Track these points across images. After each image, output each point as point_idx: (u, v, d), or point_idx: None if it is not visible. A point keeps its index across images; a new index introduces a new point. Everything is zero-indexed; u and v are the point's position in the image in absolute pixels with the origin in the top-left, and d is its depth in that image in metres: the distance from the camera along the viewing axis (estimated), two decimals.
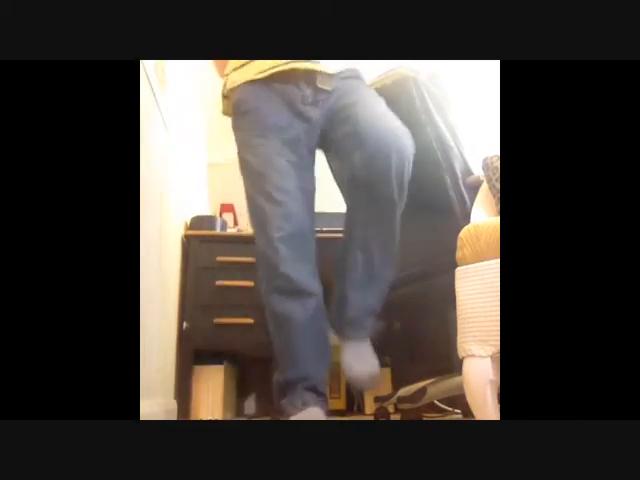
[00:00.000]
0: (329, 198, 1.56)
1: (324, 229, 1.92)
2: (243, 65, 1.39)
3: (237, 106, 1.40)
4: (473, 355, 1.04)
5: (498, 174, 1.40)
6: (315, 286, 1.31)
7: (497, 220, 1.11)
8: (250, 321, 2.09)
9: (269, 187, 1.31)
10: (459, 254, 1.14)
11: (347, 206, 1.36)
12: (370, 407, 2.23)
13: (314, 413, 1.24)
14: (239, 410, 2.43)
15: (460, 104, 1.65)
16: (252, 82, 1.37)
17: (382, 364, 1.36)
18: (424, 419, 1.82)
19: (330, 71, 1.36)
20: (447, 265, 1.20)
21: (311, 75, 1.35)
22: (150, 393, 1.54)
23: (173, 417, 1.91)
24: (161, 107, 1.68)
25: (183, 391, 2.03)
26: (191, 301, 2.12)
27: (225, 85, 1.45)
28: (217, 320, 2.10)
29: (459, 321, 1.09)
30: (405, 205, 1.31)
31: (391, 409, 1.77)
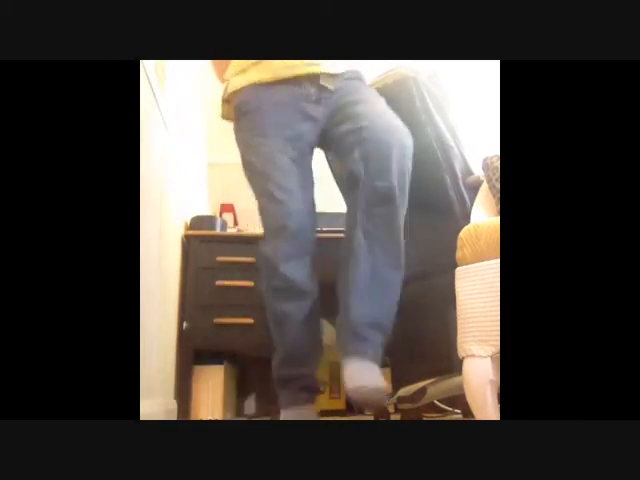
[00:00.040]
0: (329, 198, 1.56)
1: (324, 229, 1.92)
2: (245, 70, 1.39)
3: (239, 108, 1.40)
4: (473, 355, 1.04)
5: (498, 174, 1.40)
6: (312, 286, 1.32)
7: (497, 220, 1.11)
8: (250, 321, 2.09)
9: (271, 186, 1.31)
10: (459, 254, 1.14)
11: (347, 207, 1.35)
12: None
13: (305, 412, 1.29)
14: (239, 410, 2.43)
15: (460, 104, 1.65)
16: (255, 85, 1.37)
17: (382, 364, 1.36)
18: (424, 419, 1.81)
19: (333, 71, 1.36)
20: (447, 265, 1.20)
21: (314, 76, 1.35)
22: (150, 393, 1.54)
23: (173, 417, 1.91)
24: (161, 107, 1.68)
25: (183, 391, 2.03)
26: (191, 301, 2.12)
27: (226, 89, 1.45)
28: (217, 320, 2.10)
29: (459, 321, 1.10)
30: None
31: (391, 409, 1.77)
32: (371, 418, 2.00)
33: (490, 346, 1.02)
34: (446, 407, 1.90)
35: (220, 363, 2.13)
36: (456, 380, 1.32)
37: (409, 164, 1.29)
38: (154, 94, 1.59)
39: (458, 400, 1.71)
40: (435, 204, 1.50)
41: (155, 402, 1.61)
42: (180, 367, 2.05)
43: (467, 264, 1.11)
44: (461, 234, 1.15)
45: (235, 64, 1.43)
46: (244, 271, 2.13)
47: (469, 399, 1.07)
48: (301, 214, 1.31)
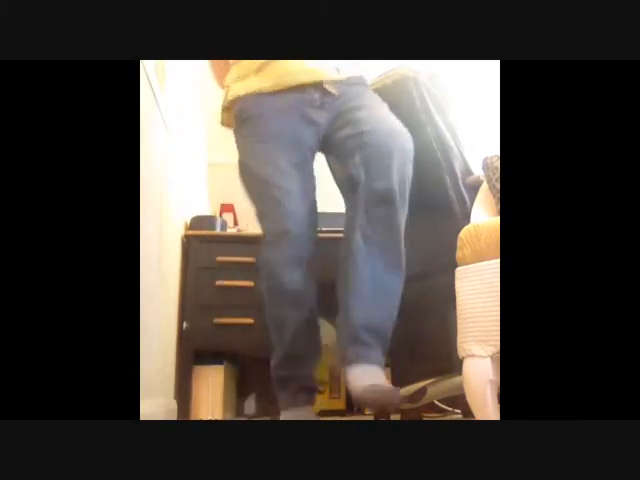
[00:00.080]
0: (329, 198, 1.56)
1: (324, 229, 1.92)
2: (245, 77, 1.37)
3: (239, 115, 1.38)
4: (473, 355, 1.05)
5: (498, 174, 1.40)
6: (311, 290, 1.32)
7: (497, 220, 1.11)
8: (250, 321, 2.09)
9: (272, 191, 1.29)
10: (459, 254, 1.14)
11: (346, 210, 1.33)
12: None
13: (304, 414, 1.29)
14: (239, 410, 2.43)
15: (460, 104, 1.65)
16: (256, 94, 1.35)
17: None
18: (424, 419, 1.81)
19: (336, 78, 1.35)
20: (447, 265, 1.20)
21: (318, 83, 1.34)
22: (150, 393, 1.54)
23: (173, 417, 1.91)
24: (161, 107, 1.68)
25: (183, 391, 2.03)
26: (191, 301, 2.12)
27: (226, 97, 1.43)
28: (217, 320, 2.10)
29: (459, 321, 1.10)
30: None
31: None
32: (371, 418, 2.01)
33: (490, 346, 1.02)
34: (446, 407, 1.90)
35: (220, 363, 2.13)
36: (456, 380, 1.32)
37: (410, 169, 1.28)
38: (154, 94, 1.59)
39: (458, 400, 1.71)
40: (435, 204, 1.50)
41: (155, 402, 1.61)
42: (180, 367, 2.05)
43: (467, 264, 1.11)
44: (461, 234, 1.15)
45: (235, 70, 1.41)
46: (244, 271, 2.13)
47: (469, 399, 1.07)
48: (302, 219, 1.29)
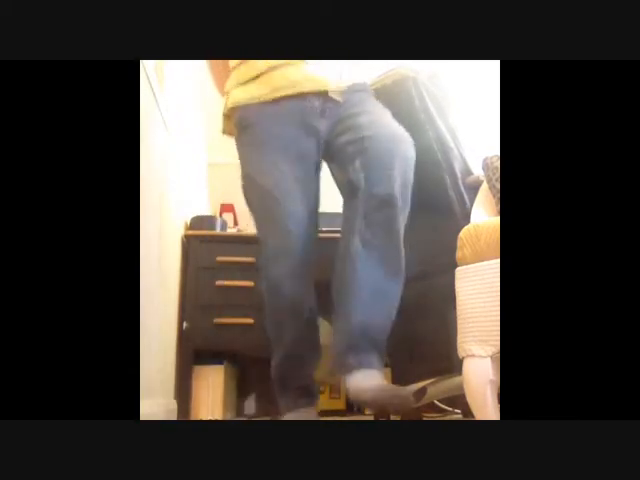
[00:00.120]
0: (329, 198, 1.55)
1: (324, 229, 1.93)
2: (245, 83, 1.35)
3: (239, 123, 1.37)
4: (473, 355, 1.04)
5: (498, 174, 1.40)
6: (310, 300, 1.31)
7: (497, 220, 1.11)
8: (250, 321, 2.09)
9: (273, 205, 1.28)
10: (459, 254, 1.14)
11: (344, 215, 1.31)
12: None
13: (306, 414, 1.28)
14: (239, 410, 2.43)
15: (460, 104, 1.65)
16: (256, 102, 1.33)
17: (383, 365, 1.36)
18: (424, 419, 1.81)
19: (340, 89, 1.33)
20: (447, 265, 1.20)
21: (321, 92, 1.32)
22: (150, 393, 1.54)
23: (173, 417, 1.91)
24: (161, 107, 1.68)
25: (183, 391, 2.03)
26: (191, 301, 2.12)
27: (226, 104, 1.41)
28: (217, 320, 2.10)
29: (459, 321, 1.10)
30: None
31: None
32: (371, 418, 2.01)
33: (490, 346, 1.02)
34: (446, 407, 1.90)
35: (220, 363, 2.13)
36: (456, 380, 1.32)
37: (412, 175, 1.27)
38: (154, 94, 1.58)
39: (458, 400, 1.71)
40: (435, 204, 1.50)
41: (155, 402, 1.61)
42: (180, 367, 2.05)
43: (467, 264, 1.11)
44: (461, 234, 1.15)
45: (235, 76, 1.39)
46: (244, 271, 2.13)
47: (469, 399, 1.07)
48: (303, 235, 1.28)
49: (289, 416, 1.31)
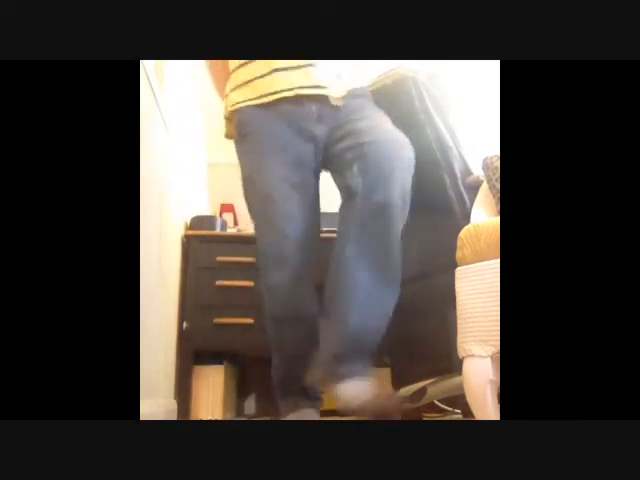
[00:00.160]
0: (329, 198, 1.55)
1: (324, 229, 1.93)
2: (243, 85, 1.35)
3: (238, 129, 1.37)
4: (473, 355, 1.05)
5: (498, 174, 1.40)
6: (311, 304, 1.30)
7: (497, 220, 1.11)
8: (250, 321, 2.09)
9: (273, 214, 1.28)
10: (459, 254, 1.14)
11: (340, 220, 1.28)
12: None
13: (307, 414, 1.28)
14: (239, 410, 2.43)
15: (460, 104, 1.65)
16: (254, 106, 1.33)
17: (382, 364, 1.36)
18: (424, 419, 1.82)
19: (338, 95, 1.32)
20: (447, 265, 1.21)
21: (320, 97, 1.31)
22: (150, 393, 1.54)
23: (173, 417, 1.91)
24: (161, 107, 1.68)
25: (183, 391, 2.03)
26: (191, 301, 2.12)
27: (226, 107, 1.41)
28: (217, 320, 2.10)
29: (459, 321, 1.10)
30: None
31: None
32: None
33: (490, 346, 1.02)
34: (446, 407, 1.91)
35: (220, 363, 2.13)
36: (456, 380, 1.32)
37: (410, 181, 1.25)
38: (154, 94, 1.58)
39: (458, 400, 1.71)
40: (435, 204, 1.50)
41: (155, 402, 1.61)
42: (180, 367, 2.05)
43: (467, 264, 1.11)
44: (461, 234, 1.15)
45: (234, 79, 1.39)
46: (244, 271, 2.13)
47: (469, 399, 1.07)
48: (302, 244, 1.27)
49: (291, 417, 1.30)
